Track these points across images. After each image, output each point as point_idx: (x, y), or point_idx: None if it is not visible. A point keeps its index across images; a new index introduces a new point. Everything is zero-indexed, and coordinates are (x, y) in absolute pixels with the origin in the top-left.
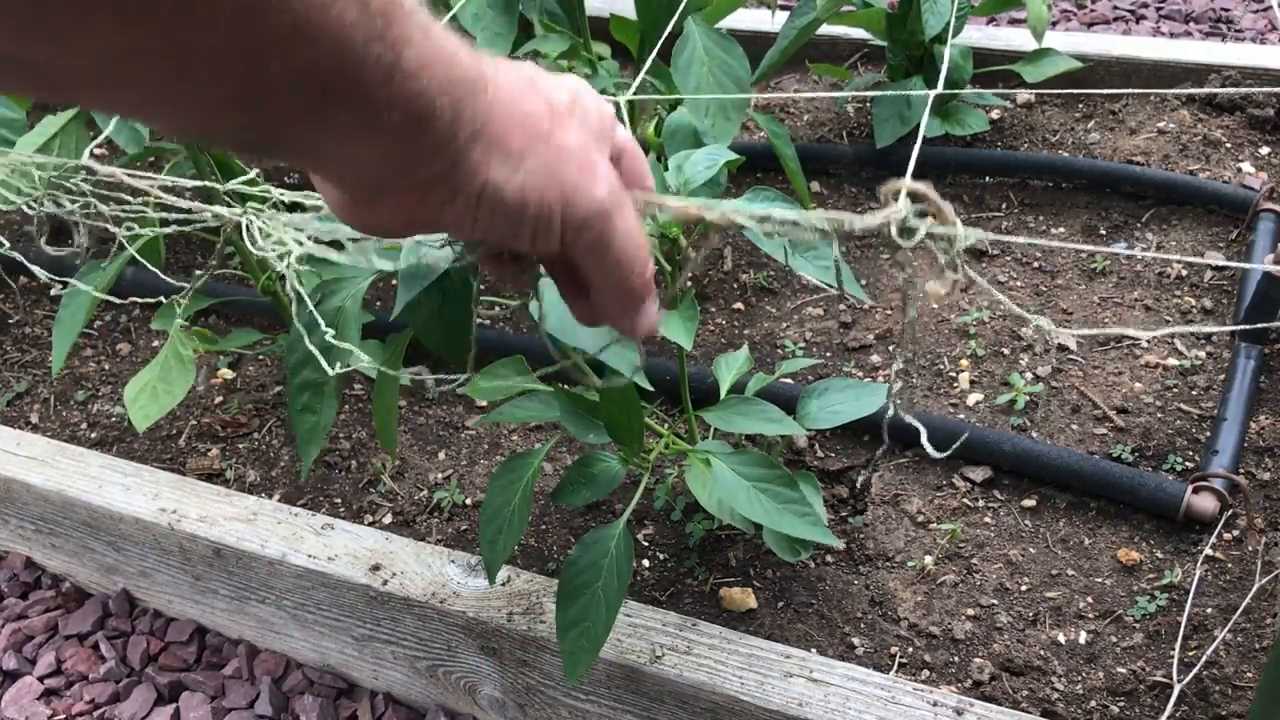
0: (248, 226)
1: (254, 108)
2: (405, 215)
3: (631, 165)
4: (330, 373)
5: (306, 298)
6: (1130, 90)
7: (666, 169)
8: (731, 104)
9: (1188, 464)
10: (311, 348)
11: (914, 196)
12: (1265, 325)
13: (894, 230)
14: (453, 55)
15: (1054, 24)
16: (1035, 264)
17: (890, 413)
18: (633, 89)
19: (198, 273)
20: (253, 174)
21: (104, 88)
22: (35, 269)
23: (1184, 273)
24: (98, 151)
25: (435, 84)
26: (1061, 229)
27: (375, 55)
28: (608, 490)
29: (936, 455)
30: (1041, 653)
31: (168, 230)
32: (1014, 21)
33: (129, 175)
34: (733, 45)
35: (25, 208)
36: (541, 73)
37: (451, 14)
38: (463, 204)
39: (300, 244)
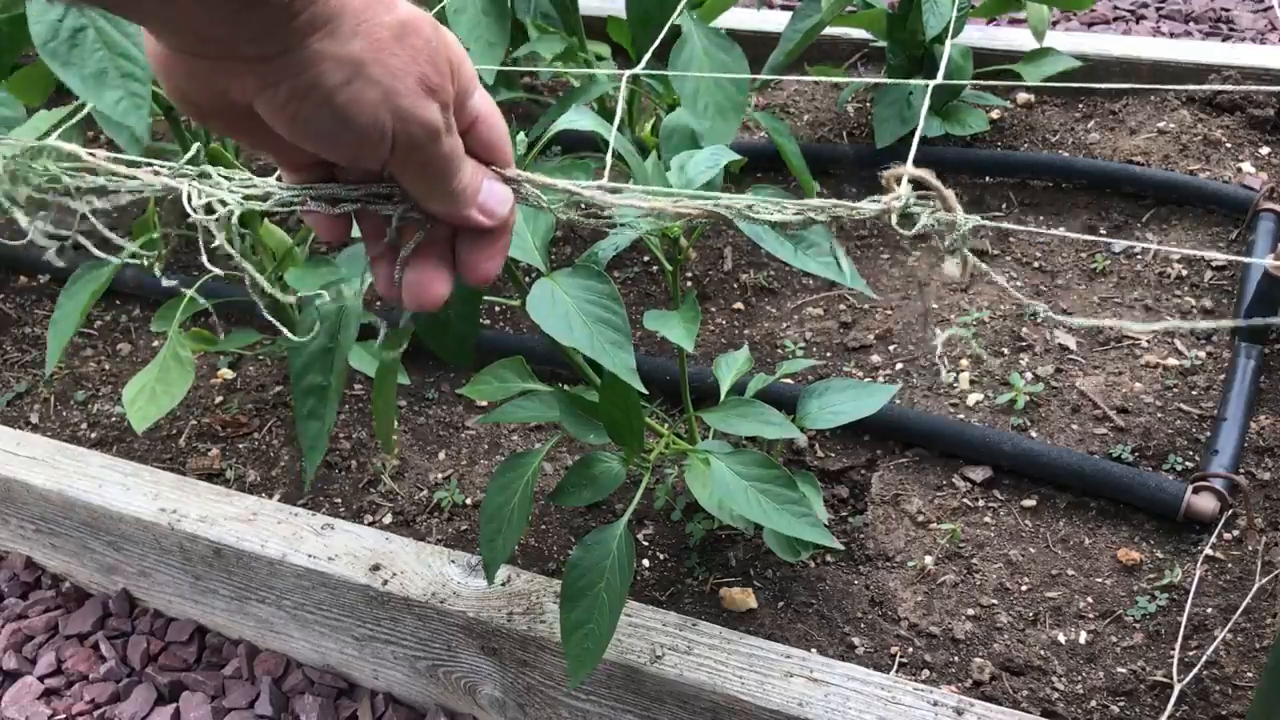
0: (187, 195)
1: None
2: (220, 88)
3: (487, 135)
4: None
5: (293, 305)
6: (1131, 85)
7: (668, 169)
8: (730, 105)
9: (1188, 464)
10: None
11: (916, 184)
12: (1265, 321)
13: (894, 219)
14: None
15: (1054, 24)
16: (1035, 264)
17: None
18: (627, 76)
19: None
20: (194, 150)
21: None
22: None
23: (1184, 273)
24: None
25: None
26: (1061, 229)
27: None
28: (608, 491)
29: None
30: (1042, 653)
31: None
32: (1014, 21)
33: (89, 154)
34: (732, 46)
35: None
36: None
37: (439, 7)
38: (285, 94)
39: (236, 200)
